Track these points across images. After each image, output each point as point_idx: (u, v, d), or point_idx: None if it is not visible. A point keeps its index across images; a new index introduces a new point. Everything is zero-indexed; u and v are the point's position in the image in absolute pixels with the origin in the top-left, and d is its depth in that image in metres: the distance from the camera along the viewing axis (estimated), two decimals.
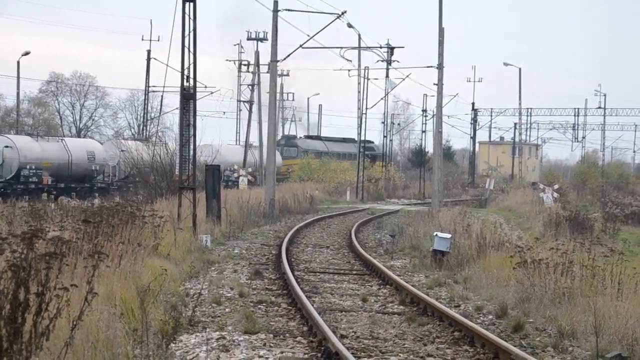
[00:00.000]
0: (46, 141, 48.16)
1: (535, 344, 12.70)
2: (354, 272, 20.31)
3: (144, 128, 69.87)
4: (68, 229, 16.26)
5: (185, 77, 24.65)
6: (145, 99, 68.20)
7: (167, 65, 29.67)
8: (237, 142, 70.47)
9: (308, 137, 72.02)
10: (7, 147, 44.96)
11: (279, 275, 18.83)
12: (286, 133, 79.46)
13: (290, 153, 68.97)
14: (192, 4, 24.56)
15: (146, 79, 65.31)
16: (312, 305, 14.39)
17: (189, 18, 24.51)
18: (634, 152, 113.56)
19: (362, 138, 63.23)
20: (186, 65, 24.55)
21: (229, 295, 16.02)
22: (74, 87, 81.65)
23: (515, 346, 12.07)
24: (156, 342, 11.25)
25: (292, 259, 21.94)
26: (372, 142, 78.60)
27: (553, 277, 15.58)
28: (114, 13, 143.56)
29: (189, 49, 24.47)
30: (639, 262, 18.58)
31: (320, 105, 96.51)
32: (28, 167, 44.77)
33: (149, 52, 64.40)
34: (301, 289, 16.08)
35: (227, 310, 14.54)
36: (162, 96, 66.68)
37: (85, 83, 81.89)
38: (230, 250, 23.72)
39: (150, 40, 64.52)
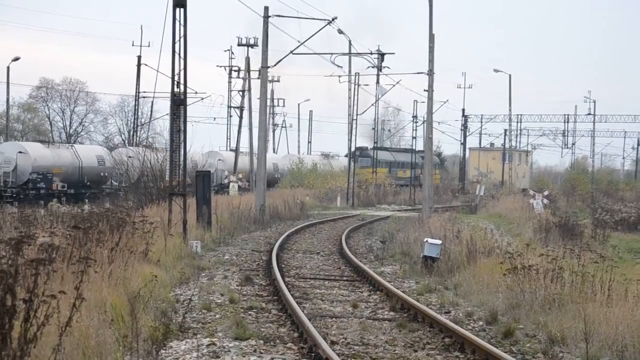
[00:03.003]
0: (57, 147, 49.08)
1: (526, 350, 12.69)
2: (345, 278, 20.28)
3: (134, 134, 69.73)
4: (58, 234, 16.18)
5: (175, 82, 24.59)
6: (135, 105, 68.09)
7: (157, 71, 29.58)
8: (228, 148, 70.41)
9: (377, 148, 76.48)
10: (20, 152, 45.72)
11: (269, 281, 18.79)
12: (359, 144, 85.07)
13: (364, 163, 74.19)
14: (182, 9, 24.51)
15: (136, 84, 65.26)
16: (303, 311, 14.36)
17: (180, 24, 24.47)
18: (624, 158, 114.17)
19: (354, 144, 63.27)
20: (176, 70, 24.50)
21: (219, 301, 15.97)
22: (64, 93, 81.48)
23: (505, 352, 12.07)
24: (146, 349, 11.20)
25: (283, 265, 21.90)
26: (367, 148, 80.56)
27: (543, 284, 15.59)
28: (104, 19, 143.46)
29: (179, 54, 24.44)
30: (629, 269, 18.63)
31: (310, 112, 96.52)
32: (39, 172, 45.51)
33: (139, 57, 64.32)
34: (292, 295, 16.05)
35: (217, 316, 14.49)
36: (152, 102, 66.64)
37: (76, 89, 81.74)
38: (220, 256, 23.66)
39: (141, 45, 64.46)
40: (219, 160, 62.88)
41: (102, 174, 50.07)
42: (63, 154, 48.55)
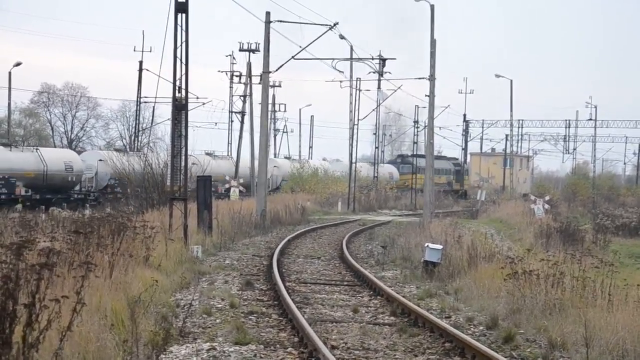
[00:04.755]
0: (20, 151, 47.40)
1: (526, 355, 12.70)
2: (345, 283, 20.29)
3: (136, 139, 69.77)
4: (59, 239, 16.20)
5: (177, 87, 24.62)
6: (137, 110, 68.12)
7: (159, 76, 29.65)
8: (229, 153, 70.49)
9: (415, 155, 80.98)
10: (275, 167, 45.23)
11: (270, 286, 18.79)
12: (400, 152, 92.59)
13: (406, 169, 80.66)
14: (184, 15, 24.55)
15: (138, 89, 65.23)
16: (303, 316, 14.37)
17: (181, 29, 24.51)
18: (625, 163, 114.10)
19: (355, 149, 63.33)
20: (178, 76, 24.54)
21: (219, 306, 15.98)
22: (65, 98, 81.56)
23: (505, 357, 12.08)
24: (146, 353, 11.20)
25: (283, 270, 21.90)
26: (408, 155, 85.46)
27: (544, 289, 15.59)
28: (106, 24, 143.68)
29: (180, 59, 24.46)
30: (629, 274, 18.64)
31: (312, 117, 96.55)
32: (0, 177, 44.07)
33: (140, 63, 64.35)
34: (292, 299, 16.05)
35: (217, 321, 14.50)
36: (153, 107, 66.65)
37: (77, 94, 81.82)
38: (221, 261, 23.66)
39: (142, 51, 64.45)
40: (275, 167, 65.76)
41: (69, 178, 48.28)
42: (27, 157, 46.40)
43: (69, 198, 47.67)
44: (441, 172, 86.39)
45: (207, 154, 63.81)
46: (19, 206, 41.39)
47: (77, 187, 49.83)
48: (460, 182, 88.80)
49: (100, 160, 47.81)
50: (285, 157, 76.08)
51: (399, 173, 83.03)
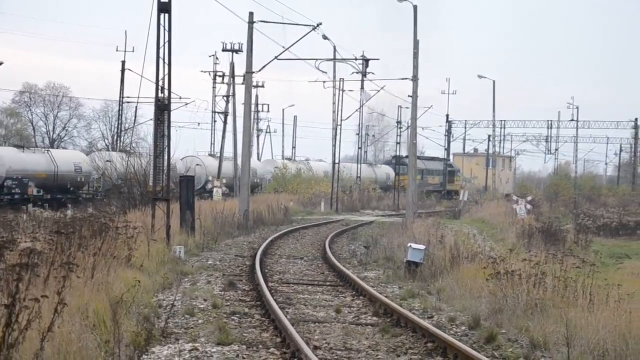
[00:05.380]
0: (32, 152, 48.68)
1: (508, 355, 12.74)
2: (328, 283, 20.29)
3: (118, 139, 69.50)
4: (40, 240, 16.12)
5: (159, 88, 24.55)
6: (119, 110, 67.88)
7: (141, 76, 29.56)
8: (212, 153, 70.34)
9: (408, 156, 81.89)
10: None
11: (252, 286, 18.77)
12: (345, 150, 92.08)
13: (402, 170, 79.33)
14: (167, 15, 24.48)
15: (120, 89, 65.03)
16: (286, 316, 14.36)
17: (164, 29, 24.45)
18: (606, 164, 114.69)
19: (338, 149, 63.40)
20: (161, 76, 24.47)
21: (202, 306, 15.95)
22: (47, 98, 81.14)
23: (487, 357, 12.11)
24: (128, 354, 11.17)
25: (266, 270, 21.89)
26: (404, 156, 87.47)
27: (525, 289, 15.65)
28: (88, 24, 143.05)
29: (163, 59, 24.40)
30: (610, 274, 18.72)
31: (295, 117, 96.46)
32: (14, 178, 45.18)
33: (123, 63, 64.13)
34: (275, 300, 16.04)
35: (200, 321, 14.47)
36: (136, 107, 66.38)
37: (59, 94, 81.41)
38: (204, 262, 23.62)
39: (125, 51, 64.22)
40: (276, 168, 67.57)
41: (79, 179, 49.86)
42: (39, 159, 48.11)
43: (77, 198, 48.47)
44: (434, 172, 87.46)
45: (210, 155, 63.77)
46: (30, 206, 42.37)
47: (86, 187, 50.62)
48: (452, 183, 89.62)
49: (108, 161, 48.11)
50: (287, 159, 76.80)
51: (394, 173, 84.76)
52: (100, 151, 57.90)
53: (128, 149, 55.30)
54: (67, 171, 48.82)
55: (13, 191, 45.06)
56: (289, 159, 77.55)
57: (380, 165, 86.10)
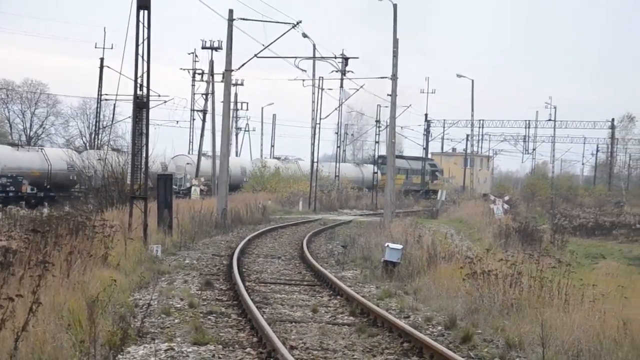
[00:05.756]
0: (26, 151, 49.38)
1: (483, 355, 12.79)
2: (305, 283, 20.29)
3: (96, 136, 69.14)
4: (16, 238, 16.02)
5: (138, 85, 24.43)
6: (97, 108, 67.50)
7: (120, 73, 29.46)
8: (191, 151, 70.16)
9: (396, 156, 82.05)
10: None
11: (229, 285, 18.73)
12: (325, 149, 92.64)
13: (386, 170, 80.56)
14: (146, 11, 24.36)
15: (99, 87, 64.69)
16: (263, 316, 14.34)
17: (143, 26, 24.32)
18: (583, 164, 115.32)
19: (317, 148, 63.43)
20: (139, 73, 24.34)
21: (178, 306, 15.89)
22: (24, 95, 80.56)
23: (463, 357, 12.15)
24: (103, 354, 11.11)
25: (244, 270, 21.85)
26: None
27: (502, 288, 15.73)
28: (67, 20, 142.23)
29: (142, 57, 24.28)
30: (586, 274, 18.84)
31: (274, 115, 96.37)
32: (8, 176, 45.70)
33: (102, 60, 63.78)
34: (252, 299, 16.02)
35: (176, 321, 14.42)
36: (114, 105, 66.09)
37: (37, 91, 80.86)
38: (181, 261, 23.55)
39: (104, 48, 63.86)
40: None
41: (71, 177, 50.17)
42: (32, 157, 48.76)
43: (70, 196, 48.61)
44: (418, 172, 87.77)
45: (202, 154, 63.70)
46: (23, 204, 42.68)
47: (78, 185, 51.02)
48: (437, 183, 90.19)
49: (99, 159, 48.96)
50: (275, 158, 77.35)
51: (380, 173, 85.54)
52: (92, 150, 57.89)
53: (113, 147, 55.22)
54: (60, 169, 49.12)
55: (7, 189, 45.60)
56: (279, 158, 77.68)
57: (367, 165, 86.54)
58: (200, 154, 64.08)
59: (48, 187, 49.34)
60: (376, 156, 79.37)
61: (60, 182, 49.29)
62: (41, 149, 51.62)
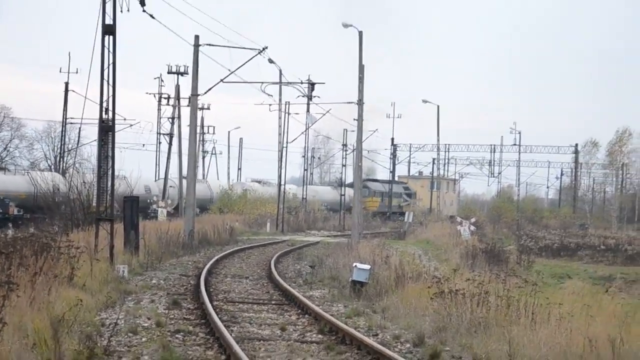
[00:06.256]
0: (13, 174, 51.14)
1: None
2: (273, 302, 20.21)
3: (61, 160, 68.57)
4: None
5: (104, 109, 24.37)
6: (62, 131, 66.96)
7: (85, 97, 29.24)
8: (157, 175, 69.82)
9: (370, 180, 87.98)
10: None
11: (197, 305, 18.61)
12: (291, 172, 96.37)
13: (363, 193, 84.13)
14: (111, 37, 24.35)
15: (64, 110, 64.21)
16: (231, 334, 14.25)
17: (109, 51, 24.31)
18: (548, 187, 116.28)
19: (284, 171, 63.42)
20: (105, 97, 24.28)
21: (145, 324, 15.76)
22: None
23: None
24: None
25: (211, 289, 21.73)
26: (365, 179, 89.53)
27: (469, 307, 15.78)
28: (31, 44, 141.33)
29: (108, 81, 24.24)
30: (552, 293, 18.95)
31: (241, 139, 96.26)
32: None
33: (66, 84, 63.36)
34: (219, 318, 15.92)
35: (143, 339, 14.29)
36: (79, 128, 65.63)
37: (0, 114, 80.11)
38: (148, 281, 23.38)
39: (69, 72, 63.35)
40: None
41: (57, 199, 50.53)
42: (19, 180, 50.15)
43: (56, 217, 49.03)
44: (394, 195, 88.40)
45: (184, 177, 63.57)
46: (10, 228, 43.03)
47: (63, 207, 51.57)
48: (409, 205, 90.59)
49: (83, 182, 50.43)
50: (254, 181, 77.90)
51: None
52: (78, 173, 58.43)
53: (71, 170, 55.02)
54: (46, 192, 49.58)
55: None
56: (259, 182, 77.99)
57: (347, 188, 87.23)
58: (166, 177, 63.80)
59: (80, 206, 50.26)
60: (343, 179, 79.54)
61: (46, 204, 50.43)
62: (27, 172, 52.61)
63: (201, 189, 66.96)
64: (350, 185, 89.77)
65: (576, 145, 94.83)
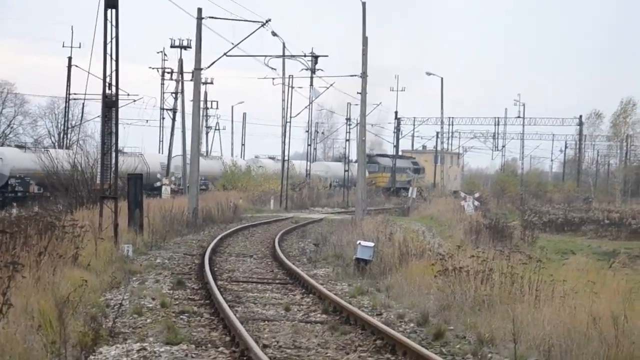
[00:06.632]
0: (33, 152, 51.08)
1: (455, 351, 12.85)
2: (277, 281, 20.27)
3: (65, 136, 68.60)
4: None
5: (107, 84, 24.29)
6: (66, 107, 66.92)
7: (88, 72, 29.20)
8: (161, 150, 69.85)
9: (381, 155, 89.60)
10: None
11: (201, 285, 18.67)
12: (297, 147, 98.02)
13: (373, 168, 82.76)
14: (114, 10, 24.22)
15: (67, 86, 64.18)
16: (235, 315, 14.32)
17: (111, 25, 24.18)
18: (552, 161, 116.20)
19: (287, 147, 63.39)
20: (108, 72, 24.19)
21: (150, 305, 15.82)
22: None
23: (435, 354, 12.20)
24: (75, 355, 11.05)
25: (215, 269, 21.79)
26: (373, 155, 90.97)
27: (473, 285, 15.80)
28: (34, 19, 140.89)
29: (110, 56, 24.14)
30: (556, 270, 18.98)
31: (244, 114, 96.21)
32: (17, 177, 47.52)
33: (69, 59, 63.24)
34: (224, 298, 15.98)
35: (148, 321, 14.35)
36: (83, 104, 65.64)
37: (4, 90, 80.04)
38: (152, 260, 23.44)
39: (72, 47, 63.27)
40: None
41: (75, 177, 51.10)
42: (39, 158, 50.41)
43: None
44: (402, 170, 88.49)
45: (200, 155, 63.64)
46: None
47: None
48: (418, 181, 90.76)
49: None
50: (270, 157, 77.77)
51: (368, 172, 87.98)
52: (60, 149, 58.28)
53: (74, 146, 55.07)
54: (65, 170, 50.22)
55: (16, 189, 47.49)
56: (273, 158, 78.08)
57: (353, 164, 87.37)
58: (170, 152, 63.82)
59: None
60: (347, 154, 79.48)
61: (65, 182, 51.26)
62: (47, 150, 52.57)
63: (215, 166, 67.32)
64: (372, 162, 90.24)
65: (580, 117, 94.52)
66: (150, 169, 57.79)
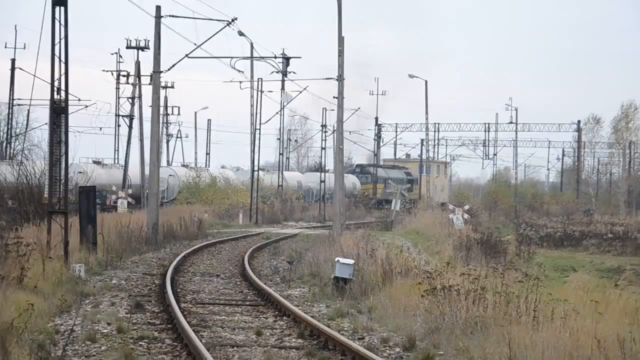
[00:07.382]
0: (109, 168, 61.67)
1: None
2: (248, 303, 20.20)
3: (8, 145, 68.11)
4: None
5: (55, 89, 24.17)
6: (9, 113, 66.49)
7: (34, 75, 28.96)
8: (116, 160, 69.55)
9: (373, 165, 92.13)
10: (170, 175, 64.26)
11: (163, 307, 18.58)
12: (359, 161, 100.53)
13: (365, 179, 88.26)
14: (62, 8, 24.12)
15: (10, 90, 63.81)
16: (201, 340, 14.23)
17: (60, 24, 24.08)
18: (548, 169, 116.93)
19: (257, 155, 63.27)
20: (57, 76, 24.08)
21: (105, 331, 15.70)
22: None
23: None
24: None
25: (178, 290, 21.69)
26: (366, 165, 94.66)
27: (464, 305, 15.80)
28: None
29: (59, 57, 24.03)
30: (555, 288, 19.04)
31: (209, 121, 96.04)
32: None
33: (13, 61, 62.94)
34: (188, 322, 15.90)
35: (103, 348, 14.24)
36: (29, 110, 65.23)
37: None
38: (107, 281, 23.31)
39: (15, 48, 62.95)
40: (170, 175, 69.49)
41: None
42: (115, 173, 61.59)
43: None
44: (397, 181, 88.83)
45: (95, 162, 63.25)
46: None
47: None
48: (411, 192, 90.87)
49: (171, 175, 64.84)
50: (183, 165, 76.91)
51: (360, 183, 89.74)
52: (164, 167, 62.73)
53: (19, 156, 54.71)
54: (134, 184, 59.23)
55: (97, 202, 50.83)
56: (262, 169, 78.07)
57: (347, 175, 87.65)
58: (127, 163, 63.57)
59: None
60: (323, 163, 79.53)
61: (135, 195, 57.14)
62: (121, 166, 62.69)
63: (190, 177, 67.59)
64: (352, 172, 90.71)
65: (578, 122, 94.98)
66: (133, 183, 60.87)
